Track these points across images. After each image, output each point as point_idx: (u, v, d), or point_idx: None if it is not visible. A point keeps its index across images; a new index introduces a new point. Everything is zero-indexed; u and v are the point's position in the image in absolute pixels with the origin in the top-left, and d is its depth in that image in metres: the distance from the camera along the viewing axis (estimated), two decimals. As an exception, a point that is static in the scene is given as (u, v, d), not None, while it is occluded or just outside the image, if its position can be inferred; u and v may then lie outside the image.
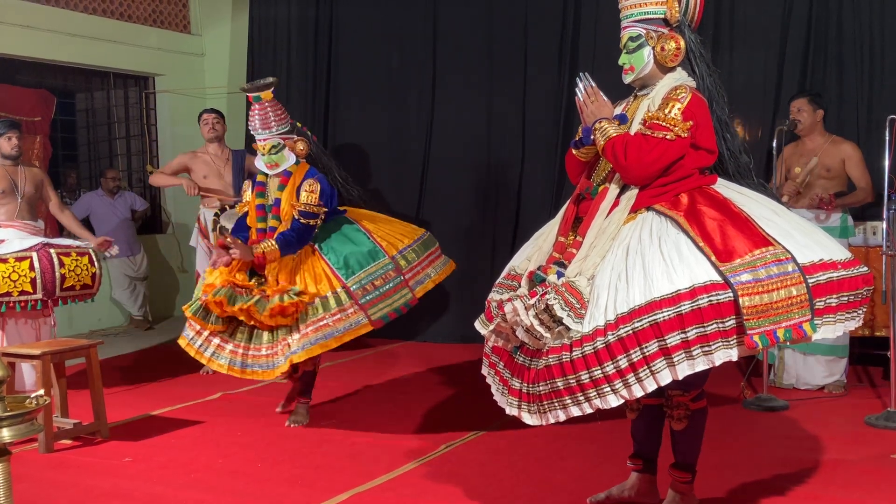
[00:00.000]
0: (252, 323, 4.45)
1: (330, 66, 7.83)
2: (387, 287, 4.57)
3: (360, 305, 4.46)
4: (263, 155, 4.64)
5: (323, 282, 4.48)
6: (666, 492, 3.31)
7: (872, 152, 5.44)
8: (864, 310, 2.98)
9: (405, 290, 4.66)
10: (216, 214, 6.12)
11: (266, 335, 4.47)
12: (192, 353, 4.64)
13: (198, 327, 4.57)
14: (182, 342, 4.68)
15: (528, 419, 2.98)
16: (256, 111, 4.64)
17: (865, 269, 2.97)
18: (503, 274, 3.33)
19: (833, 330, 2.84)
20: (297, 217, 4.53)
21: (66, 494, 3.77)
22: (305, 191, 4.57)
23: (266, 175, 4.72)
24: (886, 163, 4.69)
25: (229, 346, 4.52)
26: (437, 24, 7.41)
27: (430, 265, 4.87)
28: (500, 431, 4.50)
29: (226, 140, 6.57)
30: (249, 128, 4.75)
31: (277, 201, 4.64)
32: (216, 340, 4.54)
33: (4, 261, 4.98)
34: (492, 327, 3.12)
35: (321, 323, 4.40)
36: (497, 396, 3.16)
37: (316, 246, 4.63)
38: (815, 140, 5.33)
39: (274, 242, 4.48)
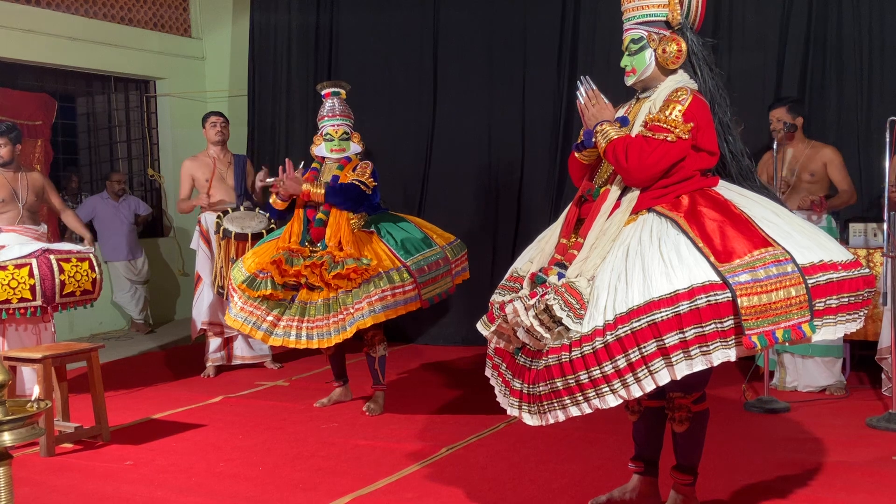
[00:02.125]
0: (313, 282, 4.72)
1: (330, 70, 7.83)
2: (438, 272, 4.97)
3: (418, 284, 4.83)
4: (332, 140, 5.10)
5: (385, 260, 4.82)
6: (667, 494, 3.31)
7: (873, 154, 5.44)
8: (866, 311, 2.97)
9: (448, 279, 5.08)
10: (219, 216, 6.14)
11: (321, 306, 4.74)
12: (245, 331, 4.92)
13: (244, 305, 4.85)
14: (235, 324, 4.94)
15: (529, 420, 2.98)
16: (334, 102, 5.16)
17: (867, 270, 2.96)
18: (506, 276, 3.34)
19: (833, 331, 2.83)
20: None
21: (68, 498, 3.77)
22: (359, 168, 5.06)
23: (320, 164, 5.15)
24: (887, 164, 4.69)
25: (282, 322, 4.81)
26: (438, 27, 7.42)
27: (464, 263, 5.29)
28: (502, 434, 4.50)
29: (226, 145, 6.55)
30: (319, 119, 5.19)
31: (335, 178, 5.02)
32: (269, 318, 4.81)
33: (3, 268, 4.97)
34: (493, 328, 3.13)
35: (385, 294, 4.71)
36: (500, 398, 3.16)
37: (374, 230, 4.96)
38: (795, 146, 5.39)
39: (322, 186, 4.91)
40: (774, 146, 5.11)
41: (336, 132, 5.10)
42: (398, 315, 4.78)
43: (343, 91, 5.23)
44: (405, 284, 4.77)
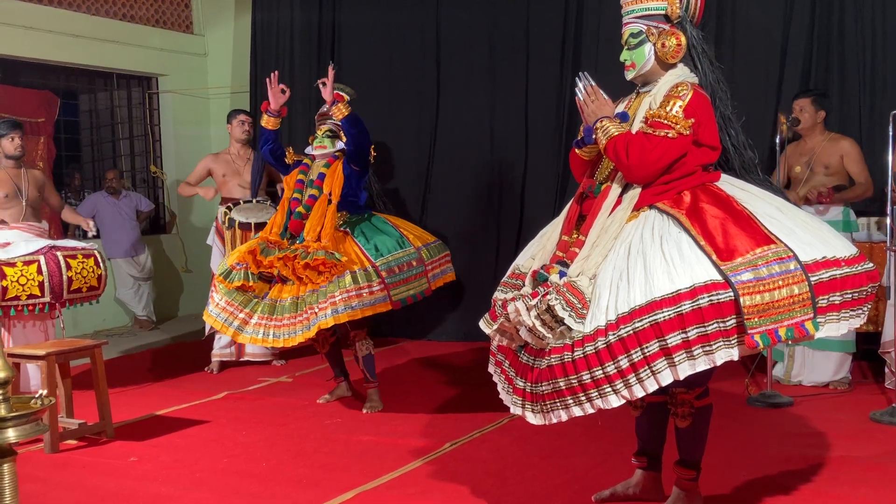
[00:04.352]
0: (285, 273, 4.73)
1: (332, 67, 7.82)
2: (409, 273, 4.92)
3: (386, 285, 4.78)
4: (317, 137, 5.11)
5: (355, 259, 4.79)
6: (671, 489, 3.31)
7: (875, 148, 5.42)
8: (869, 307, 2.96)
9: (423, 280, 5.02)
10: (228, 208, 6.16)
11: (289, 306, 4.74)
12: (217, 327, 4.97)
13: (222, 303, 4.88)
14: (207, 318, 4.99)
15: (532, 419, 2.99)
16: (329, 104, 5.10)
17: (871, 265, 2.96)
18: (508, 273, 3.34)
19: (837, 328, 2.83)
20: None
21: (72, 494, 3.79)
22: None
23: (312, 160, 5.16)
24: (889, 158, 4.68)
25: (253, 320, 4.83)
26: (439, 25, 7.40)
27: (446, 264, 5.24)
28: (504, 429, 4.50)
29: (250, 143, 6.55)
30: (317, 116, 5.21)
31: (321, 175, 5.03)
32: (241, 315, 4.84)
33: (12, 265, 4.99)
34: (496, 326, 3.12)
35: (350, 294, 4.66)
36: (503, 395, 3.17)
37: (348, 230, 4.93)
38: (814, 139, 5.35)
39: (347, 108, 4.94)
40: (779, 140, 5.09)
41: (321, 129, 5.12)
42: (364, 316, 4.71)
43: (346, 96, 5.14)
44: (372, 285, 4.72)
